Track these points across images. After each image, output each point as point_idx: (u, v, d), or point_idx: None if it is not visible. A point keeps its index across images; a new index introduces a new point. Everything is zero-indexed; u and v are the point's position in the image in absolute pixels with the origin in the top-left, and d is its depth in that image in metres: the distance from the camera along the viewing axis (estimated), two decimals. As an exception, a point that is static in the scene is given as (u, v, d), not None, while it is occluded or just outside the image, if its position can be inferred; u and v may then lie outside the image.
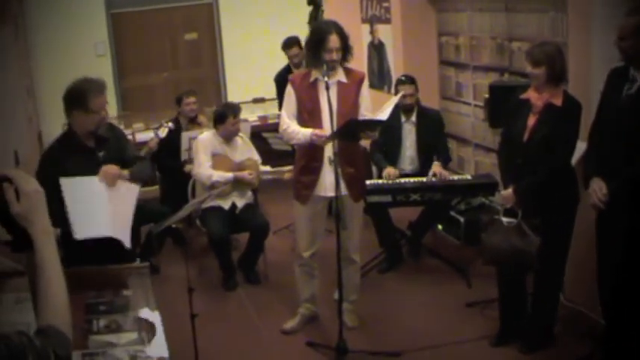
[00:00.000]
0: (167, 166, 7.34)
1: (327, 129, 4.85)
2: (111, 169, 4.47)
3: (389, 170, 6.25)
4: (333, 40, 4.84)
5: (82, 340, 3.13)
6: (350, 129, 4.82)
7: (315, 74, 4.99)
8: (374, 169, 6.88)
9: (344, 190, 4.91)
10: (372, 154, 6.52)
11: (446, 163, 6.44)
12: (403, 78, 6.42)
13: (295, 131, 5.00)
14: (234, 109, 6.52)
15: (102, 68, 9.58)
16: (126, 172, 4.56)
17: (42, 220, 1.95)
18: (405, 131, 6.47)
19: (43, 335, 1.83)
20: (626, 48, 4.04)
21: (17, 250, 2.02)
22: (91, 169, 4.49)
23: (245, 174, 6.33)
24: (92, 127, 4.48)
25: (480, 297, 5.66)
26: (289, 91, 5.11)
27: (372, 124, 4.95)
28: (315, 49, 4.91)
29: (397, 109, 6.33)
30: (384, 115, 4.89)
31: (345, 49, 4.94)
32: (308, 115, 5.00)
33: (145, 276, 3.97)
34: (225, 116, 6.39)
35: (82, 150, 4.52)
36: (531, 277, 4.89)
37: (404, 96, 6.29)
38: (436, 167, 6.24)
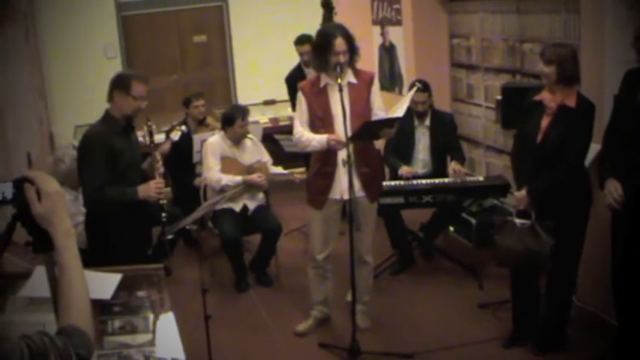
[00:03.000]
0: (178, 169, 7.35)
1: (339, 133, 4.86)
2: None
3: (405, 168, 6.23)
4: (339, 44, 4.85)
5: (97, 340, 3.14)
6: (367, 130, 4.83)
7: (324, 79, 5.00)
8: (387, 170, 6.87)
9: (359, 192, 4.91)
10: (387, 156, 6.52)
11: (462, 163, 6.42)
12: (418, 85, 6.36)
13: (310, 139, 4.99)
14: (243, 112, 6.51)
15: (112, 71, 9.45)
16: None
17: (63, 221, 1.96)
18: (418, 134, 6.47)
19: (64, 335, 1.83)
20: (642, 49, 4.04)
21: (38, 251, 2.03)
22: (133, 149, 4.88)
23: (254, 177, 6.33)
24: (129, 112, 4.78)
25: (492, 298, 5.66)
26: (300, 98, 5.11)
27: (389, 122, 4.94)
28: (323, 52, 4.92)
29: (410, 113, 6.33)
30: (400, 112, 4.91)
31: (352, 51, 4.95)
32: (320, 121, 5.00)
33: (159, 277, 3.99)
34: (233, 119, 6.39)
35: (124, 131, 4.83)
36: (544, 279, 4.89)
37: (416, 103, 6.29)
38: (454, 165, 6.24)
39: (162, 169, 5.04)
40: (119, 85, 4.76)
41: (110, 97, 4.81)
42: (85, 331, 1.89)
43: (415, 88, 6.10)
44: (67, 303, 1.93)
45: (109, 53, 9.72)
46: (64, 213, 1.97)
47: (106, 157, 4.65)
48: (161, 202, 4.91)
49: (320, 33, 5.18)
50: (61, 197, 1.96)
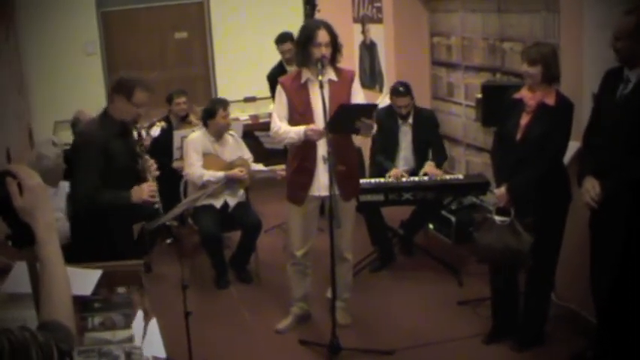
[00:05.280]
0: (158, 165, 7.32)
1: (319, 127, 4.86)
2: None
3: (395, 171, 6.23)
4: (322, 35, 4.85)
5: (77, 336, 3.13)
6: (343, 116, 4.76)
7: (305, 74, 5.00)
8: (367, 168, 6.88)
9: (336, 190, 4.91)
10: (374, 156, 6.54)
11: (442, 161, 6.47)
12: (400, 89, 6.37)
13: (287, 131, 4.98)
14: (223, 103, 6.53)
15: (92, 67, 9.58)
16: None
17: (45, 214, 1.95)
18: (402, 132, 6.48)
19: (45, 329, 1.83)
20: (621, 48, 4.08)
21: (19, 245, 2.02)
22: (128, 152, 4.71)
23: (236, 172, 6.33)
24: (127, 118, 4.64)
25: (472, 295, 5.70)
26: (280, 93, 5.10)
27: (365, 108, 4.93)
28: (305, 45, 4.91)
29: (394, 114, 6.37)
30: (377, 101, 4.93)
31: (335, 47, 4.95)
32: (300, 116, 4.99)
33: (140, 273, 3.97)
34: (214, 111, 6.40)
35: (120, 134, 4.66)
36: (523, 275, 4.92)
37: (399, 107, 6.33)
38: (428, 167, 6.26)
39: (157, 172, 4.88)
40: (121, 90, 4.58)
41: (111, 99, 4.65)
42: (66, 326, 1.89)
43: (388, 95, 6.15)
44: (49, 297, 1.93)
45: (89, 49, 9.68)
46: (46, 206, 1.97)
47: (101, 158, 4.50)
48: (156, 206, 4.75)
49: (303, 27, 5.17)
50: (43, 191, 1.96)
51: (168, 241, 6.98)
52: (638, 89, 4.11)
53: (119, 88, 4.59)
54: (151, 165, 4.84)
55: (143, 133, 6.79)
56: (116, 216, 4.64)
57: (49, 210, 1.98)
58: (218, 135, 6.47)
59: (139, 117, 4.70)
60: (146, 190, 4.66)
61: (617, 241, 4.25)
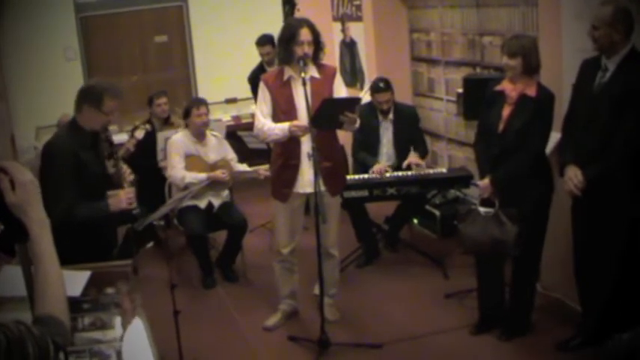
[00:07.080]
0: (143, 167, 7.32)
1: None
2: None
3: (379, 167, 6.28)
4: (305, 34, 4.86)
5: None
6: (327, 110, 4.76)
7: (288, 72, 5.00)
8: (351, 165, 6.91)
9: (322, 185, 4.93)
10: (356, 152, 6.57)
11: (423, 155, 6.50)
12: (380, 85, 6.42)
13: (272, 128, 4.98)
14: (197, 102, 6.57)
15: (72, 72, 9.54)
16: None
17: (37, 210, 1.96)
18: (383, 129, 6.52)
19: (41, 324, 1.84)
20: (599, 37, 4.14)
21: (3, 249, 2.02)
22: (99, 162, 4.57)
23: (218, 173, 6.32)
24: (97, 127, 4.46)
25: (458, 288, 5.73)
26: (263, 90, 5.09)
27: (349, 102, 4.94)
28: (287, 44, 4.91)
29: (374, 110, 6.41)
30: (360, 95, 4.95)
31: (317, 45, 4.97)
32: (283, 113, 4.99)
33: (127, 274, 3.98)
34: (189, 110, 6.44)
35: (90, 144, 4.50)
36: (509, 266, 4.96)
37: (380, 102, 6.36)
38: (412, 157, 6.31)
39: (131, 177, 4.76)
40: (90, 99, 4.33)
41: (79, 109, 4.39)
42: (61, 320, 1.90)
43: (369, 92, 6.20)
44: (43, 292, 1.93)
45: (69, 55, 9.65)
46: (38, 203, 1.97)
47: (73, 172, 4.30)
48: (134, 212, 4.62)
49: (286, 25, 5.19)
50: (35, 187, 1.97)
51: (150, 244, 6.96)
52: (615, 77, 4.18)
53: (87, 98, 4.37)
54: (125, 171, 4.73)
55: (126, 136, 6.80)
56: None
57: (42, 206, 1.99)
58: (199, 135, 6.48)
59: (109, 124, 4.58)
60: (124, 198, 4.52)
61: (599, 226, 4.33)
